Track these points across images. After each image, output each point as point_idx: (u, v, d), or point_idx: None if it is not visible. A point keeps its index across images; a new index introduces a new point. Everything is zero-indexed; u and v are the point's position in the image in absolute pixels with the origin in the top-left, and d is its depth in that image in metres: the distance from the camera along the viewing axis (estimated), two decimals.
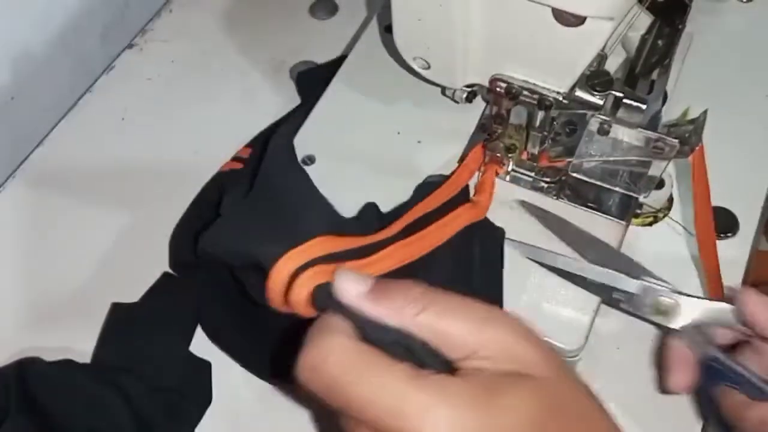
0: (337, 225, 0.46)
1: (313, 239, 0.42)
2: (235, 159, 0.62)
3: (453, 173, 0.51)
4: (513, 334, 0.33)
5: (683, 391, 0.44)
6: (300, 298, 0.39)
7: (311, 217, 0.46)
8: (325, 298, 0.36)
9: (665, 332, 0.50)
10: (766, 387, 0.42)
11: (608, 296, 0.46)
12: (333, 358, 0.32)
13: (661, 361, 0.46)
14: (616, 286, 0.46)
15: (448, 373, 0.32)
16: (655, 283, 0.45)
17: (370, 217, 0.49)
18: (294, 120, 0.56)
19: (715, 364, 0.43)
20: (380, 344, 0.33)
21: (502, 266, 0.47)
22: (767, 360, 0.44)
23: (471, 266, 0.46)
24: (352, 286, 0.34)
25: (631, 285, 0.45)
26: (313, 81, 0.65)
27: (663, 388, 0.51)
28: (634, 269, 0.46)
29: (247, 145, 0.63)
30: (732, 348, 0.45)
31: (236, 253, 0.45)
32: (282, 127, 0.56)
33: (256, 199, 0.49)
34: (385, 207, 0.50)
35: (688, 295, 0.45)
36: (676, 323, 0.45)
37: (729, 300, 0.44)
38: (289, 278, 0.40)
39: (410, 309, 0.33)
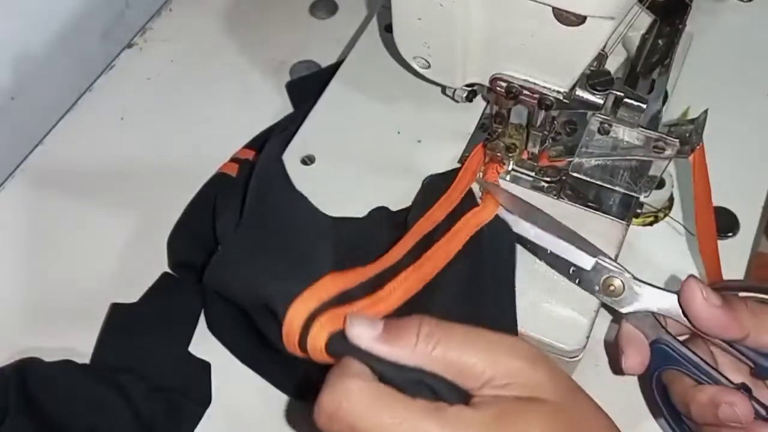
0: (344, 252, 0.45)
1: (323, 278, 0.42)
2: (233, 160, 0.62)
3: (454, 173, 0.51)
4: (525, 360, 0.34)
5: (636, 373, 0.44)
6: (316, 348, 0.39)
7: (317, 249, 0.45)
8: (340, 346, 0.37)
9: (614, 314, 0.51)
10: (713, 371, 0.42)
11: (565, 271, 0.47)
12: (350, 402, 0.33)
13: (615, 343, 0.46)
14: (573, 261, 0.46)
15: (465, 403, 0.34)
16: (610, 265, 0.45)
17: (379, 219, 0.49)
18: (283, 136, 0.55)
19: (665, 347, 0.43)
20: (398, 383, 0.34)
21: (514, 273, 0.47)
22: (712, 355, 0.44)
23: (483, 279, 0.46)
24: (364, 332, 0.35)
25: (585, 262, 0.46)
26: (304, 90, 0.65)
27: (616, 370, 0.51)
28: (593, 250, 0.46)
29: (246, 146, 0.63)
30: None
31: (243, 292, 0.45)
32: (270, 141, 0.55)
33: (255, 228, 0.48)
34: (384, 206, 0.50)
35: (641, 282, 0.45)
36: (626, 308, 0.45)
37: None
38: (303, 323, 0.40)
39: (423, 346, 0.34)
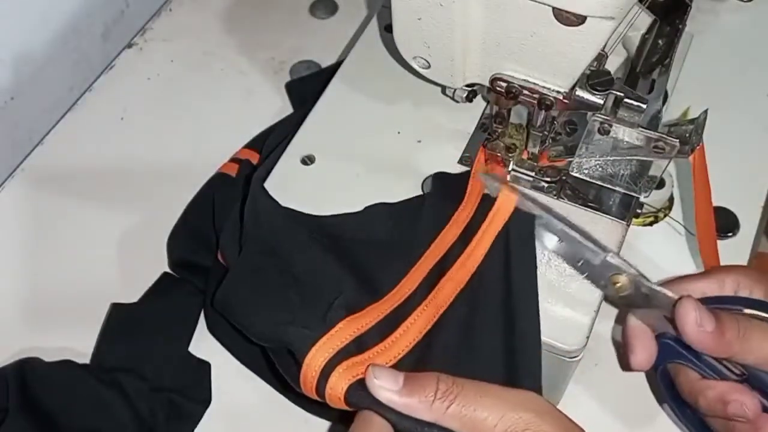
0: (355, 290, 0.45)
1: (339, 323, 0.42)
2: (233, 160, 0.62)
3: (462, 180, 0.50)
4: (533, 412, 0.37)
5: (643, 369, 0.45)
6: (334, 397, 0.40)
7: (330, 291, 0.44)
8: (359, 397, 0.39)
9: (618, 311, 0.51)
10: (718, 365, 0.42)
11: (573, 262, 0.47)
12: None
13: (621, 339, 0.46)
14: (582, 255, 0.46)
15: None
16: (618, 261, 0.45)
17: (378, 215, 0.49)
18: (275, 153, 0.54)
19: (670, 342, 0.43)
20: None
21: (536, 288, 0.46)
22: None
23: (505, 305, 0.46)
24: (386, 385, 0.38)
25: (593, 257, 0.46)
26: (303, 90, 0.65)
27: (624, 367, 0.52)
28: (603, 246, 0.46)
29: (246, 147, 0.63)
30: None
31: (254, 327, 0.45)
32: (264, 165, 0.54)
33: (257, 254, 0.47)
34: None
35: (648, 280, 0.45)
36: (631, 304, 0.45)
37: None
38: (321, 370, 0.41)
39: (439, 404, 0.38)
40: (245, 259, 0.48)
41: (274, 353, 0.45)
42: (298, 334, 0.42)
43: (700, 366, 0.43)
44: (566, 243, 0.47)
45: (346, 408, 0.41)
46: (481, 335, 0.45)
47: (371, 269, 0.46)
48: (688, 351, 0.43)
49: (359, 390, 0.39)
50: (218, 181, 0.61)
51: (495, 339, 0.45)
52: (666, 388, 0.46)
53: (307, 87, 0.65)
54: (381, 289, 0.45)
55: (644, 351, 0.44)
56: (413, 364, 0.42)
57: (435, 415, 0.38)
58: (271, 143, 0.59)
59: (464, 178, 0.50)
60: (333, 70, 0.58)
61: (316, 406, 0.45)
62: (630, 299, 0.45)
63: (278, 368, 0.45)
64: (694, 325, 0.41)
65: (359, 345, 0.42)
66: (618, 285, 0.45)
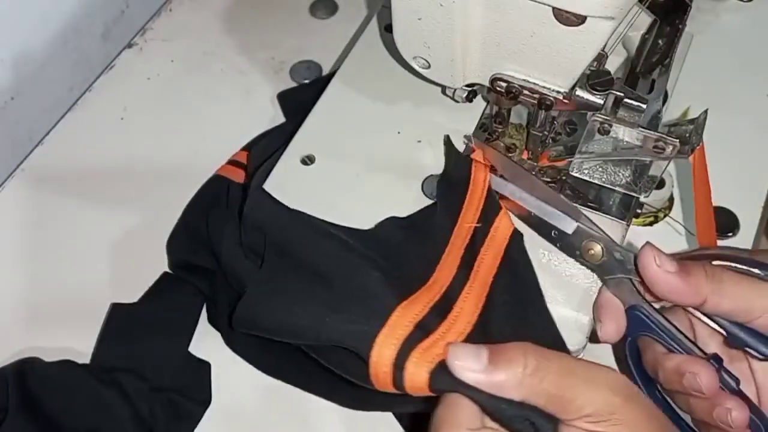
0: (388, 272, 0.44)
1: (393, 313, 0.40)
2: (231, 162, 0.62)
3: (464, 166, 0.50)
4: (622, 397, 0.35)
5: (611, 341, 0.44)
6: (416, 387, 0.38)
7: (365, 277, 0.43)
8: (443, 381, 0.37)
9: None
10: (686, 341, 0.42)
11: (548, 235, 0.47)
12: None
13: (592, 312, 0.46)
14: (555, 224, 0.46)
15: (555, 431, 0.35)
16: (591, 229, 0.45)
17: (393, 228, 0.48)
18: (268, 164, 0.54)
19: (640, 314, 0.43)
20: (504, 417, 0.35)
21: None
22: (691, 325, 0.44)
23: (525, 293, 0.46)
24: (469, 364, 0.36)
25: (567, 225, 0.46)
26: (294, 100, 0.65)
27: (593, 339, 0.51)
28: (575, 214, 0.46)
29: (244, 149, 0.63)
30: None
31: (292, 332, 0.43)
32: (258, 176, 0.54)
33: (280, 265, 0.46)
34: (385, 207, 0.50)
35: (621, 247, 0.45)
36: (605, 272, 0.45)
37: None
38: (393, 363, 0.39)
39: (530, 380, 0.35)
40: (261, 269, 0.47)
41: (318, 352, 0.44)
42: (355, 330, 0.40)
43: (666, 339, 0.42)
44: (539, 213, 0.47)
45: (429, 394, 0.38)
46: (525, 310, 0.44)
47: (399, 260, 0.45)
48: (657, 323, 0.42)
49: (442, 374, 0.37)
50: (215, 183, 0.61)
51: (538, 314, 0.44)
52: (633, 361, 0.45)
53: (298, 97, 0.65)
54: (420, 274, 0.44)
55: (612, 323, 0.44)
56: (481, 339, 0.41)
57: (525, 392, 0.35)
58: (257, 155, 0.59)
59: (465, 163, 0.50)
60: (326, 80, 0.57)
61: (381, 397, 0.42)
62: (606, 268, 0.45)
63: (331, 367, 0.43)
64: (656, 266, 0.40)
65: (423, 329, 0.40)
66: (591, 252, 0.45)
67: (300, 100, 0.63)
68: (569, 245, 0.46)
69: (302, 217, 0.48)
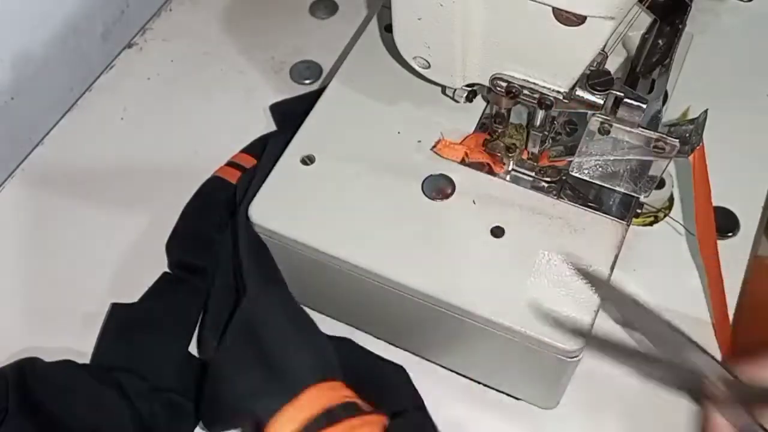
0: (329, 366, 0.43)
1: (306, 391, 0.40)
2: (229, 164, 0.62)
3: None
4: None
5: None
6: None
7: (300, 358, 0.43)
8: None
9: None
10: None
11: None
12: None
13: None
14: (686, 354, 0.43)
15: None
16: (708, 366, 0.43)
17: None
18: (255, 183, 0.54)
19: None
20: None
21: None
22: None
23: None
24: None
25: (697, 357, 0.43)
26: (286, 112, 0.65)
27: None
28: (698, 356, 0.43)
29: (243, 151, 0.63)
30: None
31: (237, 407, 0.43)
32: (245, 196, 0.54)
33: (239, 338, 0.46)
34: (384, 206, 0.50)
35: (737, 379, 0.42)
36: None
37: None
38: None
39: None
40: (224, 349, 0.47)
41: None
42: (264, 403, 0.40)
43: None
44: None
45: None
46: None
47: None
48: None
49: None
50: (214, 184, 0.61)
51: None
52: None
53: (290, 108, 0.65)
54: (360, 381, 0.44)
55: None
56: None
57: None
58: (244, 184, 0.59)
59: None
60: (317, 93, 0.57)
61: None
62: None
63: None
64: None
65: (330, 419, 0.40)
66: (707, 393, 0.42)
67: (292, 111, 0.62)
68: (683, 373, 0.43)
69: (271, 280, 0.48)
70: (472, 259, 0.48)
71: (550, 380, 0.50)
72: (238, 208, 0.54)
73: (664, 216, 0.57)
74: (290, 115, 0.62)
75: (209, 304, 0.54)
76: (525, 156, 0.52)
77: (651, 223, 0.57)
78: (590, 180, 0.51)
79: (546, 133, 0.51)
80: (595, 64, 0.46)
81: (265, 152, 0.59)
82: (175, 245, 0.59)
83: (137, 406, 0.51)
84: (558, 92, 0.46)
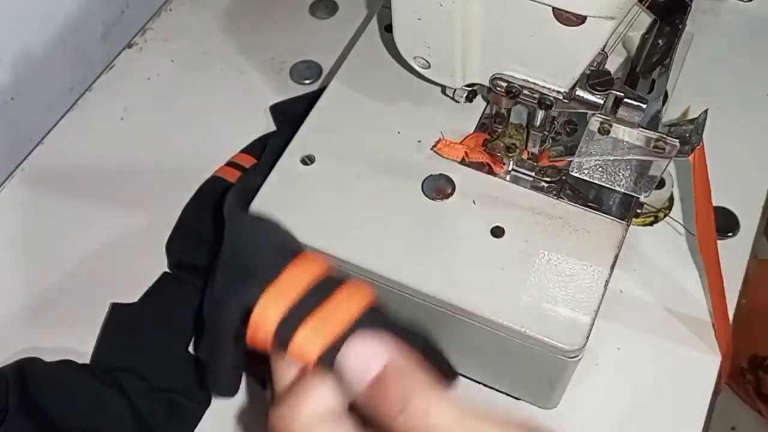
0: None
1: (289, 267, 0.37)
2: (229, 164, 0.62)
3: None
4: None
5: None
6: (300, 355, 0.35)
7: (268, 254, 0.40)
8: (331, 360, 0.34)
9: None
10: None
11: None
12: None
13: None
14: None
15: None
16: None
17: None
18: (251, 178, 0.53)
19: None
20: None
21: None
22: None
23: None
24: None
25: None
26: (286, 113, 0.65)
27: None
28: None
29: (243, 151, 0.63)
30: None
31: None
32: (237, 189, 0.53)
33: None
34: (384, 206, 0.50)
35: None
36: None
37: None
38: (280, 319, 0.36)
39: None
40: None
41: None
42: (244, 295, 0.37)
43: None
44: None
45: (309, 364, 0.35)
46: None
47: None
48: None
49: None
50: (214, 184, 0.61)
51: None
52: None
53: (290, 108, 0.65)
54: None
55: None
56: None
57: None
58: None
59: None
60: (317, 94, 0.57)
61: None
62: None
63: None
64: None
65: (319, 294, 0.37)
66: None
67: (292, 111, 0.62)
68: None
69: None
70: (472, 259, 0.48)
71: (550, 380, 0.50)
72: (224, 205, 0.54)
73: (664, 216, 0.57)
74: (290, 116, 0.62)
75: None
76: (525, 156, 0.52)
77: (651, 223, 0.57)
78: (590, 180, 0.51)
79: (546, 133, 0.51)
80: (595, 64, 0.46)
81: (263, 154, 0.59)
82: (175, 245, 0.59)
83: (137, 406, 0.51)
84: (558, 92, 0.46)
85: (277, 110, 0.66)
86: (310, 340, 0.35)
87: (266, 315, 0.36)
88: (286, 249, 0.40)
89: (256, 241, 0.41)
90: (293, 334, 0.36)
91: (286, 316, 0.36)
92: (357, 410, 0.34)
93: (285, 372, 0.36)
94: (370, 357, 0.33)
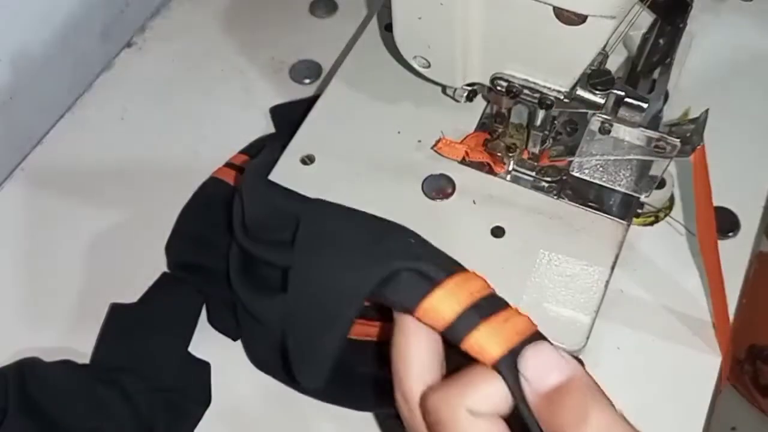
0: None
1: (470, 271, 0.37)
2: (228, 165, 0.62)
3: None
4: None
5: None
6: (478, 351, 0.35)
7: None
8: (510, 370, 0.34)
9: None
10: None
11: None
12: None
13: None
14: None
15: None
16: None
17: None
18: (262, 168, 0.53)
19: None
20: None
21: None
22: None
23: None
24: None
25: None
26: (285, 115, 0.65)
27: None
28: None
29: (241, 152, 0.63)
30: None
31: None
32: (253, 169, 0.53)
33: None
34: (385, 207, 0.50)
35: None
36: None
37: None
38: (462, 310, 0.35)
39: None
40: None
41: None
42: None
43: None
44: None
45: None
46: None
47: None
48: None
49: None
50: (213, 185, 0.61)
51: None
52: None
53: (291, 111, 0.65)
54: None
55: None
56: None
57: None
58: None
59: None
60: (318, 98, 0.57)
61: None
62: None
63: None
64: None
65: (496, 305, 0.37)
66: None
67: (292, 113, 0.62)
68: None
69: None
70: (472, 259, 0.48)
71: None
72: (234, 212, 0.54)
73: (665, 216, 0.57)
74: (290, 118, 0.62)
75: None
76: (525, 156, 0.52)
77: (651, 223, 0.57)
78: (591, 180, 0.51)
79: (546, 132, 0.51)
80: (595, 64, 0.46)
81: (260, 155, 0.59)
82: (174, 246, 0.59)
83: (137, 406, 0.51)
84: (559, 92, 0.46)
85: (276, 112, 0.66)
86: (492, 339, 0.35)
87: (443, 306, 0.36)
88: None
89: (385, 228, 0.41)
90: (472, 329, 0.35)
91: (465, 311, 0.36)
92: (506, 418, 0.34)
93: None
94: (552, 366, 0.34)
